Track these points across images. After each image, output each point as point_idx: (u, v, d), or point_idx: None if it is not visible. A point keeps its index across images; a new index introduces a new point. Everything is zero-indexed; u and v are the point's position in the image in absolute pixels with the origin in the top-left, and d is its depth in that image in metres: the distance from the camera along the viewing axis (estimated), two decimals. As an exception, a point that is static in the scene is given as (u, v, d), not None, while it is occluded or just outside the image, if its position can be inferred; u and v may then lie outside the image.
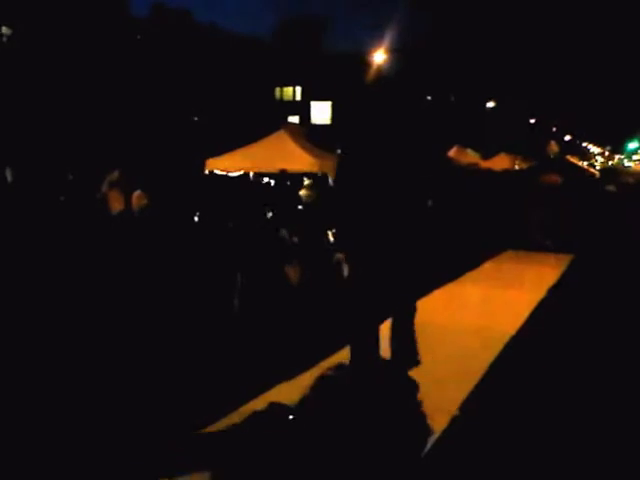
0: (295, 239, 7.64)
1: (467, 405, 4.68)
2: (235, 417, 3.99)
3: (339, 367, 0.82)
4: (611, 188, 11.72)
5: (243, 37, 38.53)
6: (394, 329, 5.15)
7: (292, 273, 7.37)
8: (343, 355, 5.66)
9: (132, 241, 7.95)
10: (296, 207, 10.02)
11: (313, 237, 8.32)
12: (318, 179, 13.48)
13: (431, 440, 3.83)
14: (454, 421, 4.35)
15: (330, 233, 8.76)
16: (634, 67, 56.42)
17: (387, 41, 28.21)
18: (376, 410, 0.70)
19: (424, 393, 0.83)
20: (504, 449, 4.00)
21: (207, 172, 14.80)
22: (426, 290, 8.25)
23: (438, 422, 4.05)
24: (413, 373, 4.70)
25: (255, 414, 0.81)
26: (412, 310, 5.18)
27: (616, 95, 60.19)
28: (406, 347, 5.11)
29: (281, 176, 12.88)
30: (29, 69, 22.80)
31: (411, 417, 0.79)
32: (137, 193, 9.69)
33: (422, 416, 0.81)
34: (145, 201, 9.63)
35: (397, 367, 0.89)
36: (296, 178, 13.07)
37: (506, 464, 3.81)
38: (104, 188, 9.53)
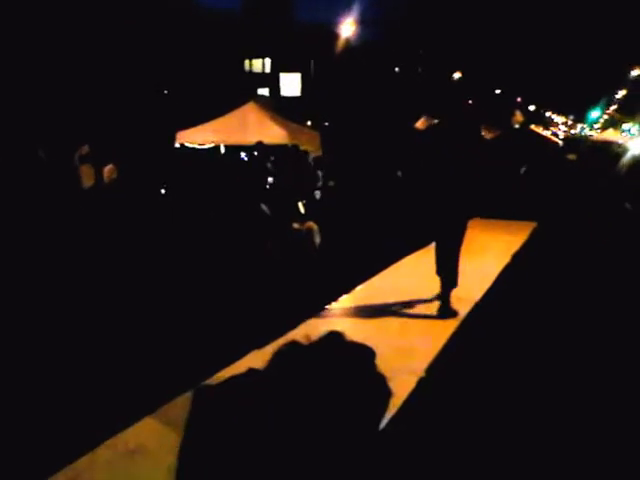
0: (269, 211, 7.80)
1: (432, 369, 4.89)
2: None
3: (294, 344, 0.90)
4: (572, 157, 11.98)
5: (212, 8, 38.01)
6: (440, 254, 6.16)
7: (270, 245, 7.54)
8: (309, 326, 5.88)
9: (105, 214, 8.02)
10: (267, 179, 10.14)
11: (285, 208, 8.48)
12: (289, 151, 13.58)
13: (395, 403, 4.04)
14: (420, 383, 4.57)
15: (300, 204, 8.93)
16: (596, 37, 56.83)
17: (356, 13, 28.10)
18: (331, 379, 0.79)
19: (383, 361, 0.89)
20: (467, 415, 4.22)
21: (177, 145, 14.78)
22: (394, 258, 8.49)
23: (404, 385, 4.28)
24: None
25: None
26: (459, 237, 6.10)
27: (579, 64, 60.64)
28: (448, 271, 6.09)
29: (255, 148, 12.92)
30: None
31: (369, 383, 0.88)
32: (109, 167, 9.73)
33: (382, 380, 0.91)
34: (116, 175, 9.68)
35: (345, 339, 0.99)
36: (267, 150, 13.14)
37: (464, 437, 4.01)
38: (75, 163, 9.56)
